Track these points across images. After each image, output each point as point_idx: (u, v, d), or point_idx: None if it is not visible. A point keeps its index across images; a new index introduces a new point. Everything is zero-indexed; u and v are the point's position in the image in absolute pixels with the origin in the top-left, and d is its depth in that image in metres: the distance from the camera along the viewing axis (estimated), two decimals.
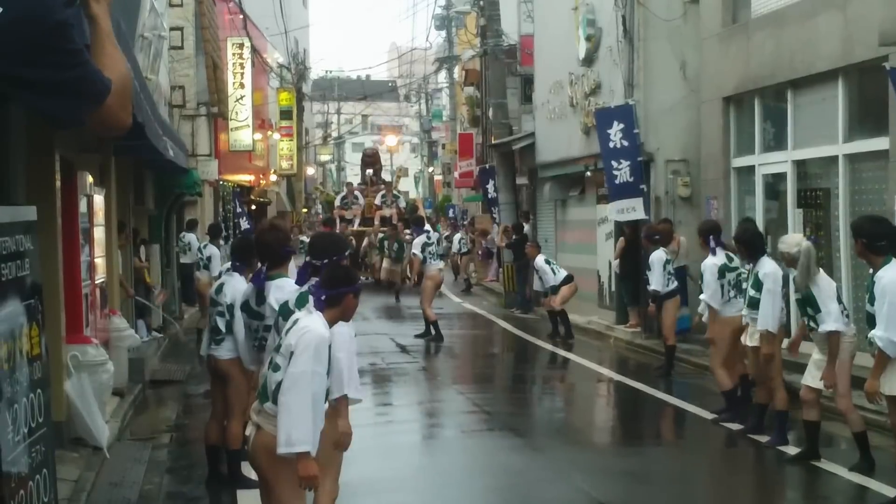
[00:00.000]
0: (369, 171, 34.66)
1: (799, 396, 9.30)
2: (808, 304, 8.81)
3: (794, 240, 9.12)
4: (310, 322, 5.36)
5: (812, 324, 8.82)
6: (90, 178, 11.22)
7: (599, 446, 11.02)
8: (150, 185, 18.46)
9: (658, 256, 14.26)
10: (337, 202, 33.18)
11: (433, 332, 18.69)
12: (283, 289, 7.83)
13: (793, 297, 9.56)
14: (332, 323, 5.53)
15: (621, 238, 18.01)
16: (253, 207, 34.31)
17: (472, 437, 11.03)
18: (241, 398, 8.30)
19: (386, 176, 38.16)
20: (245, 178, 32.47)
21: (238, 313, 8.04)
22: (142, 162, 15.33)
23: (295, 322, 5.43)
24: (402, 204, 32.91)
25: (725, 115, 15.90)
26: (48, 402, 3.68)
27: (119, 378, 11.12)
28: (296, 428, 5.11)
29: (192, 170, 19.53)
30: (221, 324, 8.49)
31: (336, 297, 5.58)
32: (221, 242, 19.06)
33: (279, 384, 5.21)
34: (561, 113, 22.06)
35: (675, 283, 14.43)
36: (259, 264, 7.65)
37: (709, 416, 11.28)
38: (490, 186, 27.21)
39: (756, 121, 15.18)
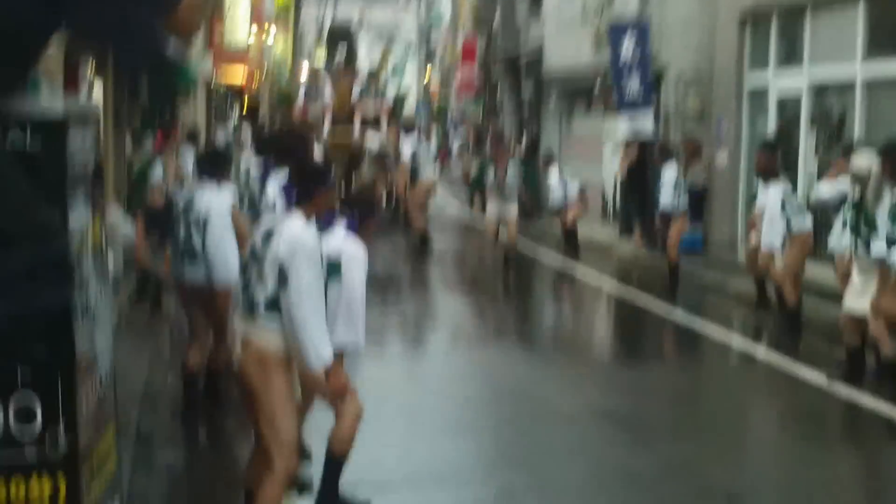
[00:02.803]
0: (340, 54, 26.91)
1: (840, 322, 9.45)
2: (868, 225, 8.86)
3: (868, 156, 9.15)
4: (293, 228, 5.21)
5: (862, 247, 8.91)
6: (91, 67, 11.25)
7: (605, 360, 11.26)
8: (144, 82, 18.34)
9: (669, 172, 14.45)
10: (300, 96, 25.53)
11: (424, 243, 18.23)
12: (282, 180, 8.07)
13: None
14: (308, 218, 5.37)
15: (628, 152, 18.08)
16: (244, 112, 34.11)
17: (477, 348, 11.28)
18: (225, 321, 7.46)
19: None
20: (237, 81, 32.12)
21: (214, 228, 7.76)
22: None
23: (273, 228, 5.28)
24: (390, 99, 25.58)
25: (741, 32, 15.85)
26: (108, 282, 3.88)
27: (114, 271, 11.25)
28: (320, 342, 5.08)
29: (188, 67, 19.36)
30: (192, 239, 7.86)
31: (306, 193, 5.44)
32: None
33: (270, 297, 5.10)
34: (572, 22, 21.96)
35: (685, 200, 14.59)
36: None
37: (714, 333, 11.55)
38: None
39: (772, 39, 15.15)
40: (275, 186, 8.24)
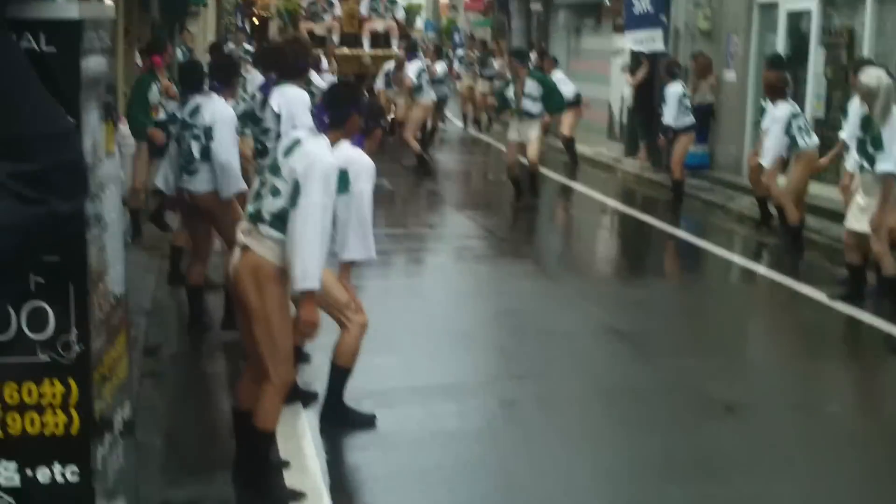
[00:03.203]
0: None
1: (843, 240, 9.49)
2: (874, 143, 8.81)
3: (875, 73, 9.08)
4: (315, 147, 5.11)
5: (867, 164, 8.92)
6: None
7: (608, 277, 11.38)
8: None
9: (674, 90, 14.45)
10: (304, 12, 23.98)
11: (422, 164, 17.75)
12: (285, 94, 8.02)
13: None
14: (334, 143, 5.30)
15: (641, 69, 17.98)
16: (255, 22, 33.88)
17: (481, 263, 11.38)
18: (232, 231, 7.30)
19: None
20: None
21: (220, 136, 7.67)
22: None
23: (297, 143, 5.16)
24: (401, 13, 23.39)
25: None
26: (120, 198, 3.94)
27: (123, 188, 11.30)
28: (312, 264, 4.93)
29: None
30: (196, 149, 7.75)
31: (340, 118, 5.36)
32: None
33: (280, 211, 5.00)
34: None
35: (691, 118, 14.59)
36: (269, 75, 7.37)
37: (716, 250, 11.65)
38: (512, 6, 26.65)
39: None
40: (277, 100, 8.18)
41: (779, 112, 11.20)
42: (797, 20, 14.81)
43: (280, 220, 4.99)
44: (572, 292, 9.95)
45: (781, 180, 11.43)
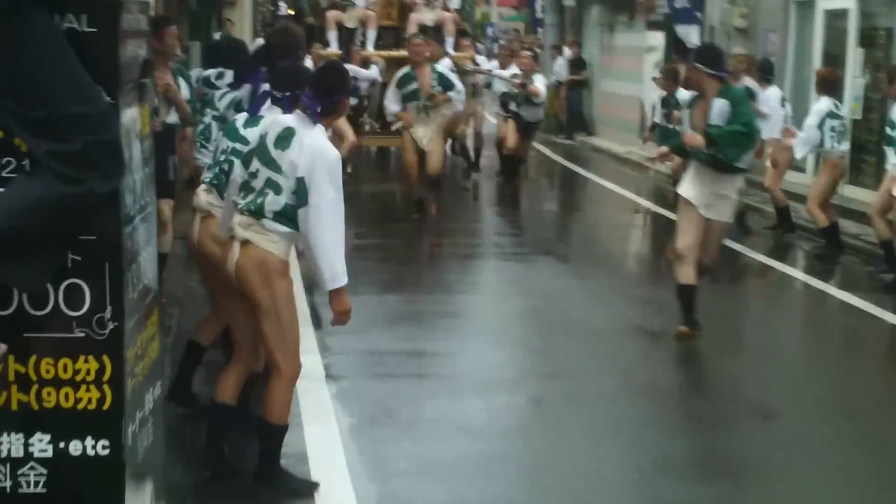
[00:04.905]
0: None
1: None
2: None
3: None
4: (315, 139, 5.02)
5: None
6: None
7: (639, 277, 11.43)
8: None
9: (774, 94, 14.29)
10: None
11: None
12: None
13: None
14: (327, 128, 5.29)
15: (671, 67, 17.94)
16: (291, 12, 33.83)
17: (510, 260, 11.47)
18: None
19: None
20: None
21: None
22: None
23: (290, 132, 5.05)
24: (453, 2, 18.10)
25: None
26: (152, 180, 4.05)
27: None
28: (339, 261, 4.96)
29: None
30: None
31: (332, 105, 5.24)
32: None
33: (285, 208, 4.95)
34: None
35: None
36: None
37: (751, 254, 11.67)
38: (537, 5, 26.86)
39: None
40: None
41: (818, 105, 11.20)
42: (835, 19, 14.81)
43: (284, 216, 4.96)
44: (602, 291, 10.00)
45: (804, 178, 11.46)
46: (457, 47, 16.42)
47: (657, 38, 20.00)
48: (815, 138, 11.08)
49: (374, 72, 15.71)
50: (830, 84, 11.43)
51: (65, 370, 3.47)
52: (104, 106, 3.26)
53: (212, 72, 8.14)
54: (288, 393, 5.21)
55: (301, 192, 4.91)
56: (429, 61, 13.05)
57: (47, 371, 3.46)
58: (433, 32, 15.95)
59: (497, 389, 7.11)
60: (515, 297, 9.89)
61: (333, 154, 5.02)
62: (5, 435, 3.48)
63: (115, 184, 3.29)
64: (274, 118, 5.27)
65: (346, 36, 16.46)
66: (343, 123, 12.16)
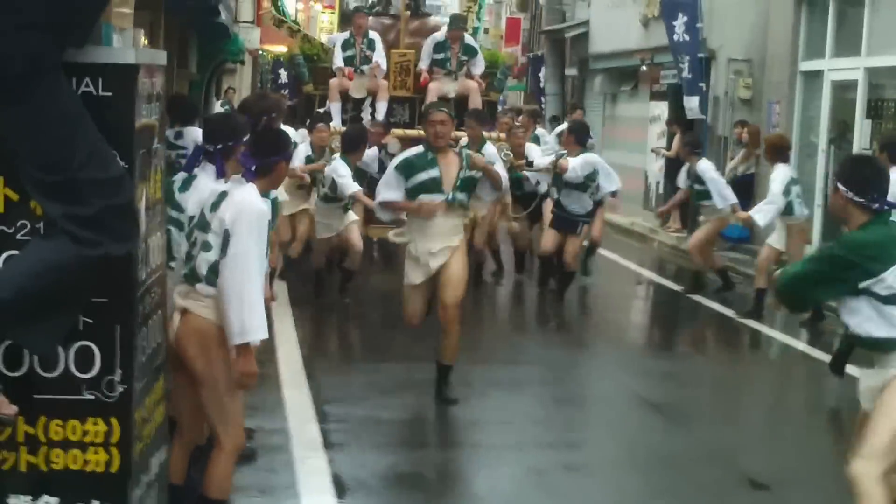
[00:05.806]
0: None
1: None
2: None
3: None
4: (243, 195, 5.00)
5: None
6: (143, 38, 11.50)
7: (641, 348, 11.46)
8: (193, 49, 18.65)
9: (707, 166, 14.24)
10: (336, 58, 14.19)
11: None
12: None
13: None
14: (262, 192, 5.20)
15: (674, 140, 18.12)
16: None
17: (513, 329, 11.53)
18: None
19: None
20: (283, 48, 32.33)
21: None
22: (187, 24, 15.62)
23: (222, 195, 5.03)
24: (479, 68, 14.33)
25: (797, 13, 15.86)
26: (165, 246, 4.13)
27: None
28: (249, 315, 4.78)
29: (237, 34, 19.70)
30: None
31: (268, 166, 5.26)
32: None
33: (213, 264, 4.89)
34: (620, 1, 22.08)
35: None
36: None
37: (752, 323, 11.73)
38: (540, 75, 27.13)
39: (829, 22, 15.15)
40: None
41: (778, 173, 11.35)
42: (843, 90, 14.97)
43: (215, 274, 4.90)
44: (605, 363, 10.07)
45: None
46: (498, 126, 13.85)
47: (661, 108, 20.21)
48: (781, 206, 11.22)
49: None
50: (781, 150, 11.62)
51: (73, 432, 3.53)
52: (119, 170, 3.35)
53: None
54: (229, 467, 5.08)
55: (225, 244, 4.87)
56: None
57: (56, 433, 3.53)
58: (458, 105, 13.26)
59: (498, 458, 7.15)
60: (516, 370, 9.92)
61: (259, 208, 4.98)
62: (13, 497, 3.54)
63: (130, 247, 3.38)
64: (212, 189, 5.20)
65: (352, 108, 14.15)
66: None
